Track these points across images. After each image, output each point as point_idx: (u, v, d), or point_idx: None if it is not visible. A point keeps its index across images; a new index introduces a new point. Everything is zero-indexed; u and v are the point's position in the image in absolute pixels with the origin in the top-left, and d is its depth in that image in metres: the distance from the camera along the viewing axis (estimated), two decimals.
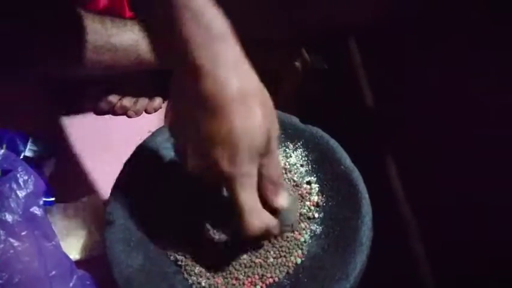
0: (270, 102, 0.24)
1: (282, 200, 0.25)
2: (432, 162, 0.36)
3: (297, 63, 0.45)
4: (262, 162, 0.24)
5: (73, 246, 0.34)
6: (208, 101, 0.22)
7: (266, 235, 0.25)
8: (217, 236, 0.28)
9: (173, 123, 0.25)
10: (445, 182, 0.34)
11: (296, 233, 0.29)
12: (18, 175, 0.25)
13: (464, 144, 0.32)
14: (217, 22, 0.22)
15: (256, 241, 0.28)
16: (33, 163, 0.38)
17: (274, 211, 0.25)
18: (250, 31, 0.41)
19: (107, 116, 0.46)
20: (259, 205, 0.24)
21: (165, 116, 0.26)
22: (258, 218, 0.24)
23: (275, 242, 0.29)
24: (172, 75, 0.24)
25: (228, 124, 0.22)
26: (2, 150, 0.27)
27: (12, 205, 0.24)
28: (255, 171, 0.23)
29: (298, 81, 0.45)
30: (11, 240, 0.23)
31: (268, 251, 0.29)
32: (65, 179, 0.40)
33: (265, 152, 0.23)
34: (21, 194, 0.25)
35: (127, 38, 0.38)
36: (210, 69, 0.22)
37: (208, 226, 0.29)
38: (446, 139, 0.34)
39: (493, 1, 0.30)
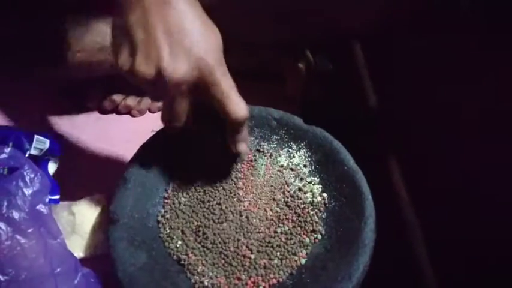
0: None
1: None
2: (435, 164, 0.36)
3: (301, 65, 0.45)
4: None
5: (77, 245, 0.34)
6: (177, 3, 0.24)
7: (245, 123, 0.27)
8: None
9: (132, 42, 0.25)
10: (449, 184, 0.34)
11: (303, 230, 0.29)
12: (24, 173, 0.25)
13: (469, 146, 0.32)
14: None
15: (240, 133, 0.28)
16: (38, 161, 0.38)
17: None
18: (253, 35, 0.42)
19: (111, 115, 0.46)
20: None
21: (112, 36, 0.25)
22: (243, 102, 0.26)
23: (281, 243, 0.29)
24: None
25: (202, 22, 0.25)
26: (9, 149, 0.27)
27: (19, 203, 0.24)
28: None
29: (302, 82, 0.45)
30: (18, 237, 0.24)
31: (272, 252, 0.29)
32: (69, 177, 0.40)
33: (223, 66, 0.26)
34: (27, 191, 0.25)
35: None
36: None
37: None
38: (450, 141, 0.34)
39: (495, 6, 0.30)
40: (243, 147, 0.28)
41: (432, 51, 0.37)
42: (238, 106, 0.26)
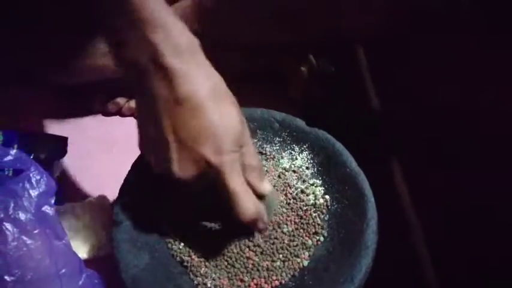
0: (234, 98, 0.26)
1: (266, 185, 0.27)
2: (438, 166, 0.36)
3: (303, 68, 0.45)
4: (242, 151, 0.25)
5: (81, 246, 0.34)
6: (187, 102, 0.23)
7: (258, 221, 0.26)
8: (210, 224, 0.29)
9: (147, 138, 0.25)
10: (451, 186, 0.34)
11: (305, 232, 0.29)
12: (31, 175, 0.26)
13: (471, 148, 0.32)
14: (185, 36, 0.24)
15: (247, 230, 0.28)
16: (43, 163, 0.39)
17: (259, 198, 0.27)
18: (255, 38, 0.42)
19: (114, 118, 0.46)
20: (250, 190, 0.26)
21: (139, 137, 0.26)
22: (251, 201, 0.25)
23: (283, 245, 0.29)
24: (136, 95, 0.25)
25: (208, 120, 0.24)
26: (14, 151, 0.28)
27: (25, 204, 0.25)
28: (238, 158, 0.25)
29: (304, 85, 0.45)
30: (24, 238, 0.24)
31: (275, 254, 0.29)
32: (74, 179, 0.40)
33: (243, 141, 0.25)
34: (33, 193, 0.25)
35: None
36: (184, 73, 0.23)
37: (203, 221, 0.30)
38: (452, 143, 0.34)
39: (495, 6, 0.30)
40: (256, 233, 0.28)
41: (434, 52, 0.37)
42: (245, 208, 0.25)
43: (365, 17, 0.39)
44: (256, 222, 0.26)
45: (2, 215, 0.24)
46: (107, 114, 0.46)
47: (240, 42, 0.41)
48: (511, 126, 0.29)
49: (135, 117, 0.46)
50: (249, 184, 0.26)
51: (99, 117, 0.46)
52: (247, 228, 0.27)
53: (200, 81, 0.24)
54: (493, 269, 0.29)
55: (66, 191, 0.39)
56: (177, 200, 0.30)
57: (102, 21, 0.24)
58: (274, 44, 0.43)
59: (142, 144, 0.26)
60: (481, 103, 0.32)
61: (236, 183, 0.25)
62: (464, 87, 0.34)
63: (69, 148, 0.41)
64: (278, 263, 0.28)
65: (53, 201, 0.27)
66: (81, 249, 0.34)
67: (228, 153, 0.24)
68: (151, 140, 0.25)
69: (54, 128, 0.43)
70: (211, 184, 0.25)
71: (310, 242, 0.29)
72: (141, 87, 0.24)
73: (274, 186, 0.32)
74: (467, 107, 0.33)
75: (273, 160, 0.34)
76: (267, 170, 0.33)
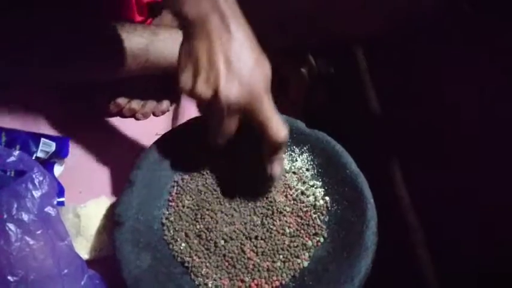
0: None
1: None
2: (437, 167, 0.36)
3: (304, 70, 0.45)
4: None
5: (82, 247, 0.35)
6: (238, 39, 0.27)
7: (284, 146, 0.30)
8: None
9: (198, 68, 0.28)
10: (451, 187, 0.34)
11: (305, 233, 0.30)
12: (34, 176, 0.26)
13: (470, 149, 0.33)
14: None
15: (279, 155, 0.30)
16: (45, 164, 0.39)
17: None
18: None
19: (115, 118, 0.46)
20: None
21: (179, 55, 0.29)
22: (284, 126, 0.29)
23: (284, 246, 0.29)
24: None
25: (257, 54, 0.28)
26: (17, 152, 0.28)
27: (28, 205, 0.25)
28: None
29: (305, 87, 0.46)
30: (27, 238, 0.24)
31: (276, 254, 0.29)
32: (75, 180, 0.41)
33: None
34: (36, 194, 0.26)
35: (136, 42, 0.39)
36: (235, 18, 0.27)
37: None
38: (451, 144, 0.35)
39: (500, 10, 0.30)
40: (277, 169, 0.30)
41: (433, 54, 0.37)
42: (279, 129, 0.28)
43: (366, 20, 0.39)
44: (283, 146, 0.29)
45: (5, 216, 0.24)
46: (108, 114, 0.46)
47: None
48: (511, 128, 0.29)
49: (136, 118, 0.47)
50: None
51: (101, 118, 0.46)
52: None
53: (244, 22, 0.28)
54: (492, 270, 0.29)
55: (68, 192, 0.39)
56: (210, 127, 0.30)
57: None
58: (275, 48, 0.43)
59: (188, 78, 0.28)
60: (481, 104, 0.32)
61: (273, 109, 0.28)
62: (464, 89, 0.34)
63: (70, 149, 0.41)
64: (278, 264, 0.29)
65: (55, 202, 0.27)
66: (83, 250, 0.34)
67: (267, 85, 0.28)
68: (204, 70, 0.27)
69: (56, 128, 0.43)
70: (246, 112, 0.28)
71: (310, 243, 0.29)
72: (200, 31, 0.27)
73: (274, 187, 0.33)
74: (467, 108, 0.33)
75: None
76: None
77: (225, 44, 0.27)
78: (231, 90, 0.27)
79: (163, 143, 0.33)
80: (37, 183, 0.26)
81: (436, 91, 0.37)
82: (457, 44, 0.34)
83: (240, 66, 0.27)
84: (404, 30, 0.39)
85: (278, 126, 0.28)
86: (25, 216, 0.24)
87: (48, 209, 0.26)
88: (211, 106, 0.28)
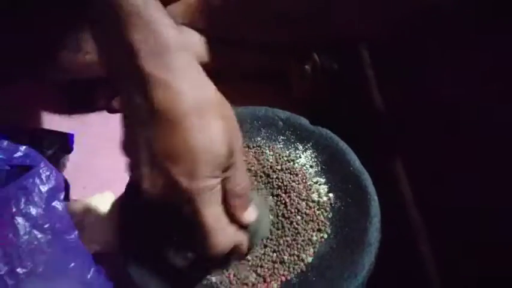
0: (230, 112, 0.22)
1: (248, 215, 0.24)
2: (441, 164, 0.36)
3: (307, 67, 0.45)
4: (226, 175, 0.22)
5: (88, 242, 0.35)
6: (162, 115, 0.20)
7: (234, 252, 0.24)
8: (179, 261, 0.27)
9: (125, 141, 0.23)
10: (454, 184, 0.34)
11: (309, 229, 0.29)
12: (41, 171, 0.26)
13: (473, 147, 0.33)
14: (170, 32, 0.20)
15: (224, 260, 0.26)
16: (50, 160, 0.39)
17: (243, 225, 0.24)
18: (258, 38, 0.42)
19: (119, 115, 0.47)
20: (224, 221, 0.22)
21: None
22: (223, 235, 0.22)
23: (289, 241, 0.29)
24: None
25: (184, 139, 0.20)
26: (24, 147, 0.28)
27: (36, 199, 0.25)
28: (216, 186, 0.22)
29: (308, 83, 0.46)
30: (35, 232, 0.25)
31: (280, 250, 0.29)
32: (80, 175, 0.41)
33: (227, 165, 0.22)
34: (43, 188, 0.26)
35: None
36: (161, 79, 0.20)
37: (170, 251, 0.27)
38: (455, 141, 0.35)
39: (500, 9, 0.30)
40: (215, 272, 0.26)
41: (438, 51, 0.37)
42: (213, 242, 0.22)
43: (366, 19, 0.39)
44: (230, 255, 0.24)
45: (14, 210, 0.24)
46: (112, 111, 0.47)
47: (244, 40, 0.41)
48: None
49: None
50: (231, 211, 0.23)
51: (105, 114, 0.47)
52: (223, 258, 0.25)
53: (183, 90, 0.20)
54: (495, 267, 0.29)
55: (74, 187, 0.39)
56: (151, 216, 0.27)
57: (82, 10, 0.22)
58: (279, 44, 0.43)
59: (122, 147, 0.24)
60: (485, 102, 0.32)
61: (207, 214, 0.22)
62: (468, 87, 0.34)
63: (75, 145, 0.41)
64: (283, 259, 0.29)
65: (62, 197, 0.28)
66: (89, 245, 0.35)
67: (203, 179, 0.21)
68: (129, 146, 0.23)
69: (60, 124, 0.43)
70: (181, 207, 0.22)
71: (315, 238, 0.30)
72: (122, 92, 0.21)
73: (278, 184, 0.33)
74: (470, 106, 0.33)
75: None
76: (270, 166, 0.33)
77: (146, 120, 0.20)
78: (153, 190, 0.21)
79: None
80: (44, 178, 0.26)
81: (441, 88, 0.37)
82: (462, 42, 0.34)
83: (163, 155, 0.21)
84: (407, 27, 0.39)
85: (213, 239, 0.22)
86: (33, 210, 0.25)
87: (56, 203, 0.26)
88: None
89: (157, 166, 0.21)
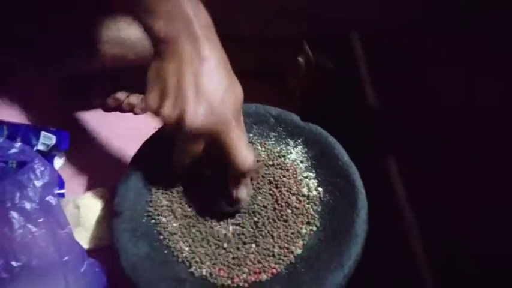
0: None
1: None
2: (433, 160, 0.36)
3: (300, 60, 0.45)
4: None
5: (82, 237, 0.35)
6: (209, 62, 0.27)
7: (254, 171, 0.30)
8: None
9: (166, 90, 0.27)
10: (446, 180, 0.34)
11: (299, 223, 0.30)
12: (35, 166, 0.27)
13: (466, 142, 0.33)
14: (206, 14, 0.28)
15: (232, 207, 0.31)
16: (45, 157, 0.40)
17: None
18: (253, 29, 0.42)
19: (114, 113, 0.47)
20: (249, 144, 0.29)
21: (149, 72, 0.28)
22: (250, 152, 0.29)
23: (279, 234, 0.30)
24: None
25: (227, 79, 0.28)
26: (19, 144, 0.29)
27: (30, 194, 0.26)
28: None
29: (302, 77, 0.46)
30: (29, 226, 0.25)
31: (270, 242, 0.30)
32: (75, 172, 0.41)
33: (239, 120, 0.29)
34: (38, 183, 0.26)
35: (134, 32, 0.40)
36: (209, 39, 0.27)
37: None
38: (448, 137, 0.35)
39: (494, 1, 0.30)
40: (243, 193, 0.30)
41: (432, 48, 0.37)
42: (244, 158, 0.28)
43: (365, 6, 0.39)
44: (248, 174, 0.29)
45: (8, 204, 0.25)
46: (107, 109, 0.47)
47: (238, 34, 0.42)
48: (509, 122, 0.29)
49: (134, 113, 0.48)
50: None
51: (100, 112, 0.47)
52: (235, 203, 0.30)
53: (220, 47, 0.28)
54: (487, 262, 0.30)
55: (68, 184, 0.40)
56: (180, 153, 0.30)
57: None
58: (273, 36, 0.43)
59: (155, 98, 0.28)
60: (479, 99, 0.32)
61: (240, 136, 0.28)
62: (462, 83, 0.34)
63: (70, 142, 0.42)
64: (274, 251, 0.29)
65: (56, 192, 0.28)
66: (83, 240, 0.35)
67: (237, 112, 0.28)
68: (172, 91, 0.27)
69: (56, 122, 0.44)
70: (214, 139, 0.27)
71: (304, 230, 0.30)
72: (171, 52, 0.27)
73: (269, 179, 0.33)
74: (464, 102, 0.33)
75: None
76: (262, 162, 0.34)
77: (196, 68, 0.26)
78: (197, 116, 0.26)
79: (161, 136, 0.34)
80: (38, 173, 0.26)
81: (435, 85, 0.37)
82: (458, 37, 0.34)
83: (209, 91, 0.26)
84: (402, 19, 0.39)
85: (244, 154, 0.28)
86: (27, 205, 0.25)
87: (50, 198, 0.27)
88: (177, 128, 0.27)
89: (202, 101, 0.27)
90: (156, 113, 0.28)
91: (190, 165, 0.29)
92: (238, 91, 0.28)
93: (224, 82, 0.27)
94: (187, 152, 0.28)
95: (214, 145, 0.28)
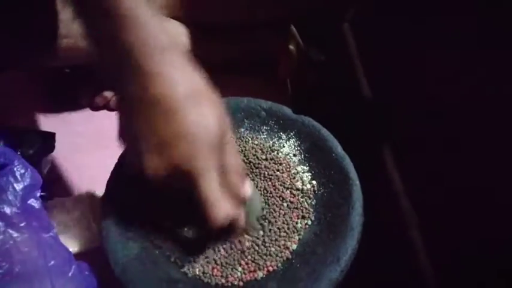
0: (217, 99, 0.25)
1: (246, 188, 0.27)
2: (429, 152, 0.36)
3: (291, 47, 0.45)
4: (220, 157, 0.24)
5: (72, 239, 0.35)
6: (161, 104, 0.23)
7: (233, 226, 0.26)
8: (185, 232, 0.29)
9: (124, 132, 0.25)
10: (442, 172, 0.34)
11: (294, 217, 0.30)
12: (15, 169, 0.26)
13: (464, 133, 0.32)
14: (164, 35, 0.23)
15: (224, 234, 0.28)
16: (31, 159, 0.39)
17: (240, 202, 0.26)
18: (237, 14, 0.41)
19: (102, 112, 0.46)
20: (223, 196, 0.25)
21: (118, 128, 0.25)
22: (222, 208, 0.24)
23: (273, 229, 0.29)
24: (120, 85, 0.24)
25: (183, 124, 0.23)
26: None
27: (10, 198, 0.25)
28: (214, 165, 0.24)
29: (293, 64, 0.45)
30: (10, 231, 0.24)
31: (265, 238, 0.29)
32: (62, 173, 0.40)
33: (221, 146, 0.24)
34: (18, 186, 0.25)
35: None
36: (159, 73, 0.22)
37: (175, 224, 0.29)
38: (443, 128, 0.35)
39: None
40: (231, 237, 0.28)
41: (426, 38, 0.37)
42: (214, 214, 0.24)
43: None
44: (229, 229, 0.26)
45: None
46: (95, 108, 0.46)
47: (223, 23, 0.40)
48: (508, 119, 0.28)
49: None
50: (229, 187, 0.25)
51: (87, 112, 0.46)
52: (226, 231, 0.27)
53: (176, 82, 0.23)
54: (484, 251, 0.29)
55: (56, 186, 0.39)
56: (157, 199, 0.29)
57: (79, 18, 0.24)
58: (256, 22, 0.42)
59: (121, 138, 0.26)
60: (477, 88, 0.31)
61: (208, 189, 0.24)
62: (457, 74, 0.33)
63: (57, 143, 0.41)
64: (269, 248, 0.29)
65: (38, 194, 0.27)
66: (73, 243, 0.34)
67: (202, 159, 0.23)
68: (128, 137, 0.25)
69: (41, 123, 0.43)
70: (185, 187, 0.24)
71: (299, 225, 0.30)
72: (118, 86, 0.24)
73: (262, 174, 0.33)
74: (459, 92, 0.33)
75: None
76: (255, 156, 0.33)
77: (145, 111, 0.23)
78: (157, 173, 0.23)
79: None
80: (18, 176, 0.25)
81: (428, 76, 0.37)
82: (454, 27, 0.33)
83: (163, 141, 0.23)
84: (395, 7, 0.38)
85: (215, 211, 0.24)
86: (7, 209, 0.24)
87: (32, 201, 0.26)
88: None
89: (159, 152, 0.23)
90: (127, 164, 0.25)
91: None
92: (209, 126, 0.23)
93: (182, 123, 0.23)
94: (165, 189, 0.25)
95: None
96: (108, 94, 0.45)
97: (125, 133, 0.25)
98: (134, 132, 0.24)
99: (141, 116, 0.23)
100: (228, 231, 0.27)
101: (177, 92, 0.23)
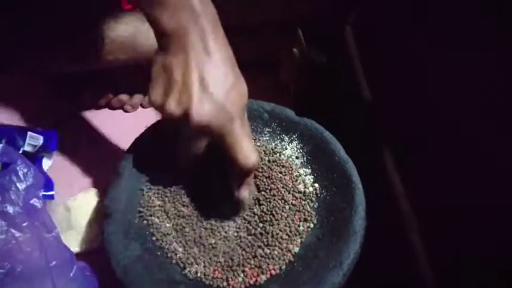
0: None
1: (256, 154, 0.29)
2: (430, 154, 0.36)
3: (295, 50, 0.45)
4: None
5: (73, 240, 0.35)
6: (215, 54, 0.26)
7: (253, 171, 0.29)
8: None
9: (170, 83, 0.27)
10: (443, 175, 0.34)
11: (296, 220, 0.30)
12: (17, 168, 0.26)
13: (464, 137, 0.32)
14: (212, 6, 0.27)
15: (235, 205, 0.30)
16: (33, 158, 0.38)
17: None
18: (248, 15, 0.41)
19: (104, 111, 0.46)
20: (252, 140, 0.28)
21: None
22: (255, 152, 0.28)
23: (275, 232, 0.29)
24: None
25: (234, 71, 0.27)
26: (1, 145, 0.27)
27: (13, 197, 0.25)
28: (244, 121, 0.28)
29: (296, 67, 0.45)
30: (13, 231, 0.24)
31: (266, 241, 0.29)
32: (64, 173, 0.40)
33: (243, 119, 0.28)
34: (21, 186, 0.25)
35: (123, 30, 0.39)
36: (216, 33, 0.26)
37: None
38: (444, 131, 0.35)
39: None
40: (245, 193, 0.30)
41: (427, 42, 0.37)
42: (248, 155, 0.27)
43: None
44: (251, 172, 0.28)
45: None
46: (97, 107, 0.46)
47: (233, 22, 0.40)
48: (509, 122, 0.28)
49: (124, 110, 0.47)
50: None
51: (89, 111, 0.46)
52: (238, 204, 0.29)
53: (225, 42, 0.27)
54: (484, 255, 0.29)
55: (57, 185, 0.38)
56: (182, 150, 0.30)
57: None
58: (266, 23, 0.43)
59: (159, 93, 0.27)
60: (478, 88, 0.31)
61: (244, 133, 0.27)
62: (457, 76, 0.33)
63: (59, 142, 0.41)
64: (269, 251, 0.29)
65: (41, 194, 0.27)
66: (74, 243, 0.34)
67: (242, 107, 0.27)
68: (177, 87, 0.26)
69: (44, 122, 0.43)
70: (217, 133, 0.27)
71: (302, 228, 0.29)
72: (176, 45, 0.26)
73: (264, 176, 0.33)
74: (459, 95, 0.33)
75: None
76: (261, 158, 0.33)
77: (202, 63, 0.26)
78: (202, 112, 0.25)
79: (152, 134, 0.33)
80: (21, 175, 0.25)
81: (429, 79, 0.37)
82: (454, 31, 0.33)
83: (215, 88, 0.26)
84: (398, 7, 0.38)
85: (248, 152, 0.27)
86: (10, 209, 0.24)
87: (34, 201, 0.26)
88: (180, 125, 0.26)
89: (208, 93, 0.26)
90: (160, 108, 0.27)
91: (192, 164, 0.29)
92: (243, 89, 0.27)
93: (230, 79, 0.26)
94: (190, 149, 0.28)
95: (218, 143, 0.27)
96: (110, 94, 0.45)
97: (171, 81, 0.26)
98: (186, 78, 0.26)
99: (196, 63, 0.26)
100: (238, 203, 0.30)
101: (227, 48, 0.27)
